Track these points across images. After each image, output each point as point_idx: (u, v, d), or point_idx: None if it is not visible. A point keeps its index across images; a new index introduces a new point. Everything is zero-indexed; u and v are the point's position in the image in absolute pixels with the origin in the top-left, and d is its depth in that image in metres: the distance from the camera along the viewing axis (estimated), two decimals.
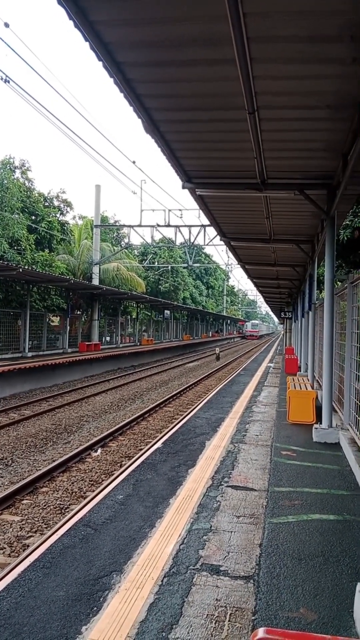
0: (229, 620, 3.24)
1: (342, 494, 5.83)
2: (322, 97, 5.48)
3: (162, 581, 3.73)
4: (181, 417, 12.54)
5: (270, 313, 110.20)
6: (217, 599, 3.49)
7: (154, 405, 15.65)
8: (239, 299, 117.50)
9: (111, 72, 5.07)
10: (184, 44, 4.64)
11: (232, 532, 4.65)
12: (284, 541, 4.48)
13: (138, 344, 36.71)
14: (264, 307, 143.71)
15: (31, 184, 26.96)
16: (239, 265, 20.07)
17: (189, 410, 13.28)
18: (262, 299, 61.34)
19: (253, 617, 3.28)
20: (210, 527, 4.75)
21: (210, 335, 70.39)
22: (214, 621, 3.23)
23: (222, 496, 5.60)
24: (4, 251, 20.18)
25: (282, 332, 64.18)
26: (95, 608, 3.37)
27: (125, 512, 5.16)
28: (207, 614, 3.30)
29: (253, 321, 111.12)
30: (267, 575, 3.86)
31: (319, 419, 9.19)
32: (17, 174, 25.74)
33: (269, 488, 5.93)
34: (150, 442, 10.78)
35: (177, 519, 4.92)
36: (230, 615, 3.30)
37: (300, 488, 5.97)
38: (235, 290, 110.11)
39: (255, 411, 11.36)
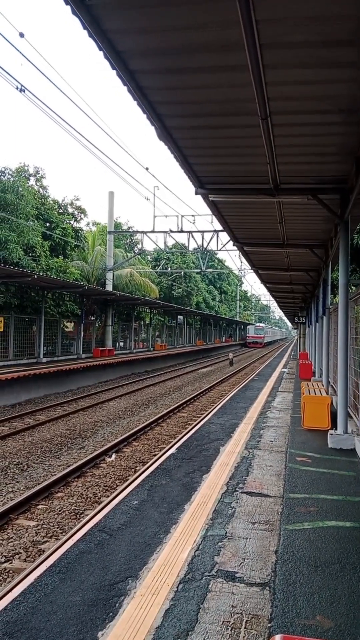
0: (245, 627, 3.22)
1: (359, 500, 5.77)
2: (335, 101, 5.48)
3: (177, 587, 3.72)
4: (195, 423, 12.52)
5: (284, 318, 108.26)
6: (232, 606, 3.47)
7: (167, 410, 15.64)
8: (252, 304, 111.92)
9: (125, 80, 5.13)
10: (197, 51, 4.67)
11: (247, 538, 4.63)
12: (300, 548, 4.44)
13: (151, 349, 36.76)
14: (277, 312, 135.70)
15: (46, 192, 27.24)
16: (252, 270, 20.04)
17: (203, 416, 13.26)
18: (275, 304, 61.22)
19: (269, 624, 3.26)
20: (226, 533, 4.73)
21: (224, 340, 70.20)
22: (230, 628, 3.21)
23: (237, 502, 5.58)
24: (19, 258, 20.38)
25: (296, 337, 63.91)
26: (111, 613, 3.38)
27: (140, 517, 5.16)
28: (223, 621, 3.29)
29: (257, 324, 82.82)
30: (283, 582, 3.83)
31: (334, 424, 9.11)
32: (32, 181, 26.03)
33: (284, 494, 5.90)
34: (165, 447, 10.78)
35: (192, 525, 4.91)
36: (246, 622, 3.28)
37: (315, 494, 5.92)
38: (248, 295, 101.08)
39: (270, 417, 11.30)
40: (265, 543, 4.53)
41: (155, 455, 10.29)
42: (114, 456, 10.43)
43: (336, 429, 8.52)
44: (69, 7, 4.00)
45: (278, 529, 4.86)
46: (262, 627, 3.24)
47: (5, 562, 5.80)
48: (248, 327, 79.58)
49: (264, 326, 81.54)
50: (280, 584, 3.80)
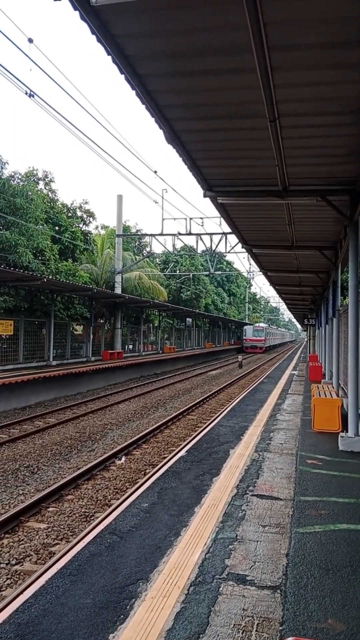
0: (256, 630, 3.21)
1: None
2: (344, 102, 5.46)
3: (188, 590, 3.72)
4: (205, 426, 12.51)
5: (294, 320, 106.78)
6: (243, 609, 3.46)
7: (177, 413, 15.63)
8: (261, 306, 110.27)
9: (133, 84, 5.16)
10: (205, 54, 4.69)
11: (258, 541, 4.61)
12: (311, 551, 4.42)
13: (160, 352, 36.77)
14: (287, 314, 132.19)
15: (55, 195, 27.38)
16: (261, 273, 20.00)
17: (213, 419, 13.24)
18: (284, 306, 60.92)
19: (281, 627, 3.25)
20: (236, 536, 4.72)
21: (233, 342, 69.83)
22: (241, 631, 3.20)
23: (247, 505, 5.56)
24: (28, 261, 20.48)
25: (306, 340, 63.40)
26: (122, 616, 3.38)
27: (151, 520, 5.16)
28: (234, 624, 3.28)
29: (257, 324, 67.26)
30: (295, 585, 3.81)
31: (344, 427, 9.06)
32: (41, 185, 26.18)
33: (295, 497, 5.87)
34: (174, 450, 10.77)
35: (203, 528, 4.90)
36: (257, 625, 3.27)
37: (326, 497, 5.89)
38: (257, 297, 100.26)
39: (280, 419, 11.26)
40: (276, 546, 4.52)
41: (165, 457, 10.28)
42: (123, 459, 10.44)
43: (347, 432, 8.47)
44: (77, 12, 4.03)
45: (289, 532, 4.83)
46: (274, 630, 3.22)
47: (16, 564, 5.82)
48: (245, 328, 63.97)
49: (265, 326, 65.68)
50: (291, 587, 3.78)
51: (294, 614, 3.41)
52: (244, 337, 63.12)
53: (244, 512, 5.35)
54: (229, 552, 4.36)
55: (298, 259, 15.80)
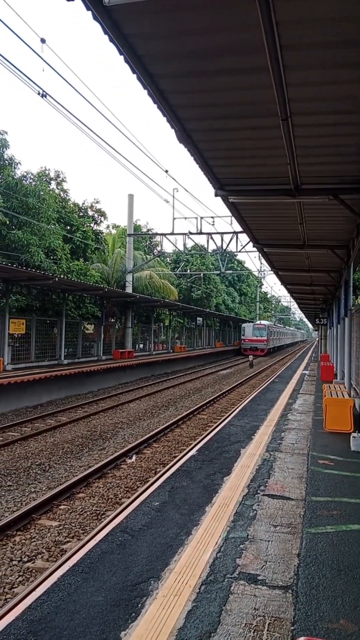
0: (267, 630, 3.21)
1: None
2: (357, 101, 5.44)
3: (199, 589, 3.72)
4: (215, 425, 12.50)
5: (305, 319, 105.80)
6: (255, 608, 3.46)
7: (187, 412, 15.64)
8: (272, 305, 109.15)
9: (145, 84, 5.17)
10: (217, 53, 4.69)
11: (269, 541, 4.61)
12: (323, 551, 4.41)
13: (171, 351, 36.79)
14: (298, 314, 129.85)
15: (66, 195, 27.52)
16: (272, 272, 19.93)
17: (223, 418, 13.22)
18: (296, 306, 60.36)
19: (292, 627, 3.24)
20: (247, 535, 4.71)
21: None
22: (253, 630, 3.20)
23: (258, 505, 5.55)
24: (40, 261, 20.61)
25: (317, 339, 62.84)
26: (133, 614, 3.40)
27: (162, 519, 5.18)
28: (246, 623, 3.28)
29: (257, 322, 57.45)
30: (306, 585, 3.80)
31: (357, 427, 9.01)
32: (53, 185, 26.32)
33: (307, 497, 5.85)
34: (185, 449, 10.78)
35: (214, 527, 4.91)
36: (269, 624, 3.27)
37: (338, 498, 5.86)
38: (268, 296, 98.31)
39: (291, 419, 11.22)
40: (288, 546, 4.51)
41: (175, 457, 10.30)
42: (134, 457, 10.48)
43: (359, 432, 8.42)
44: (90, 12, 4.05)
45: (300, 532, 4.82)
46: (285, 629, 3.22)
47: (28, 561, 5.86)
48: (243, 326, 54.48)
49: (268, 324, 56.54)
50: (303, 587, 3.77)
51: (306, 614, 3.41)
52: (242, 337, 53.82)
53: (255, 511, 5.34)
54: (240, 552, 4.36)
55: (309, 258, 15.72)
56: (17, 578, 5.48)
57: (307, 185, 8.18)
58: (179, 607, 3.47)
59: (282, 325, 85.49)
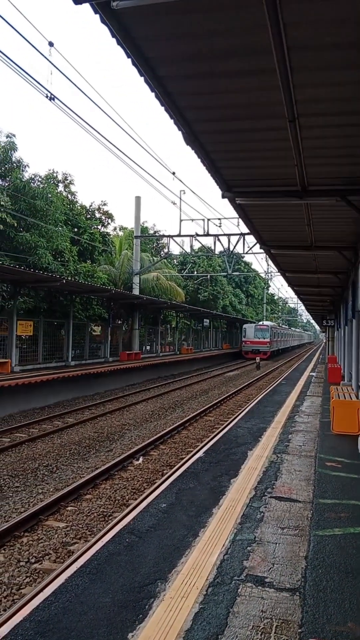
0: (275, 632, 3.20)
1: None
2: None
3: (206, 591, 3.72)
4: (222, 427, 12.48)
5: (312, 321, 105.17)
6: (262, 611, 3.45)
7: (194, 414, 15.64)
8: (279, 307, 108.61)
9: (152, 86, 5.18)
10: (224, 55, 4.69)
11: (276, 543, 4.59)
12: (330, 554, 4.39)
13: (178, 352, 36.80)
14: (305, 315, 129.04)
15: (74, 197, 27.61)
16: (279, 274, 19.89)
17: (230, 420, 13.20)
18: (303, 307, 60.07)
19: (300, 630, 3.23)
20: (254, 538, 4.70)
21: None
22: (260, 632, 3.20)
23: (265, 507, 5.54)
24: (48, 263, 20.69)
25: (324, 341, 62.49)
26: (141, 615, 3.40)
27: (169, 520, 5.18)
28: (253, 625, 3.27)
29: (259, 323, 53.93)
30: (314, 588, 3.79)
31: None
32: (61, 187, 26.42)
33: (314, 500, 5.83)
34: (192, 451, 10.77)
35: (221, 529, 4.90)
36: (276, 627, 3.26)
37: (346, 500, 5.83)
38: (275, 298, 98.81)
39: (298, 421, 11.19)
40: (295, 548, 4.49)
41: (182, 458, 10.29)
42: (141, 459, 10.48)
43: None
44: (98, 15, 4.07)
45: (308, 535, 4.80)
46: (293, 632, 3.21)
47: (35, 562, 5.88)
48: (244, 327, 50.86)
49: (271, 325, 52.96)
50: (310, 590, 3.76)
51: (313, 617, 3.39)
52: (243, 339, 50.37)
53: (262, 514, 5.33)
54: (247, 554, 4.35)
55: (317, 260, 15.67)
56: (25, 579, 5.50)
57: (314, 187, 8.16)
58: (186, 609, 3.47)
59: (286, 327, 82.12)
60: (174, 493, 6.07)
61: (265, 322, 54.80)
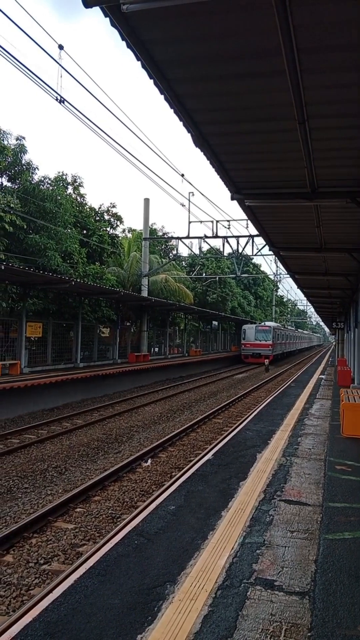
0: (284, 636, 3.18)
1: None
2: None
3: (215, 594, 3.71)
4: (231, 429, 12.46)
5: (321, 323, 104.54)
6: (271, 614, 3.43)
7: (202, 416, 15.61)
8: (288, 309, 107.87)
9: (162, 89, 5.20)
10: (234, 58, 4.71)
11: (286, 547, 4.57)
12: (340, 558, 4.36)
13: (186, 354, 36.78)
14: (314, 317, 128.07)
15: (83, 199, 27.72)
16: (288, 275, 19.83)
17: (239, 422, 13.18)
18: (312, 309, 59.72)
19: (309, 634, 3.21)
20: (264, 541, 4.68)
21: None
22: (270, 636, 3.18)
23: (274, 510, 5.52)
24: (57, 265, 20.78)
25: (334, 343, 62.06)
26: (149, 617, 3.39)
27: (177, 523, 5.17)
28: (262, 629, 3.26)
29: (261, 323, 49.09)
30: (323, 591, 3.77)
31: None
32: (70, 189, 26.53)
33: (324, 503, 5.79)
34: (200, 453, 10.76)
35: (230, 532, 4.88)
36: (285, 630, 3.24)
37: (356, 504, 5.79)
38: (284, 300, 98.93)
39: (308, 424, 11.13)
40: (305, 552, 4.47)
41: (190, 461, 10.28)
42: (149, 461, 10.48)
43: None
44: (108, 18, 4.10)
45: (317, 538, 4.78)
46: (302, 635, 3.19)
47: (44, 563, 5.90)
48: (243, 327, 46.41)
49: (274, 326, 47.67)
50: (320, 594, 3.73)
51: (323, 620, 3.37)
52: (242, 341, 45.81)
53: (271, 517, 5.31)
54: (256, 557, 4.33)
55: (326, 262, 15.61)
56: (34, 580, 5.52)
57: (324, 189, 8.14)
58: (195, 612, 3.46)
59: (292, 328, 77.23)
60: (183, 495, 6.07)
61: (268, 323, 50.63)
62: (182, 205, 27.04)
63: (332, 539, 4.77)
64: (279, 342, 49.01)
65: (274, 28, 4.06)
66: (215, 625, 3.30)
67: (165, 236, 45.43)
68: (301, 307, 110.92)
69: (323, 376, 25.63)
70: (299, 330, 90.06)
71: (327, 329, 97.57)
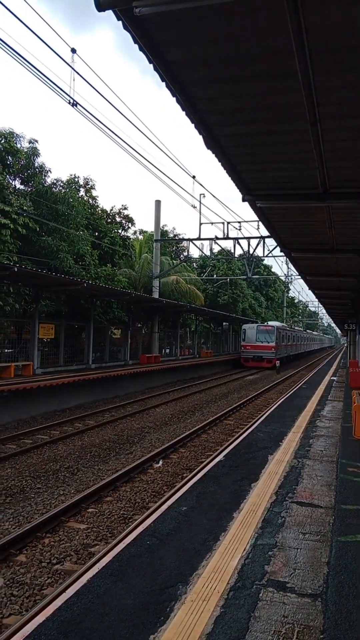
0: (297, 638, 3.18)
1: None
2: None
3: (228, 595, 3.71)
4: (242, 431, 12.43)
5: (333, 324, 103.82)
6: (284, 616, 3.43)
7: (214, 417, 15.60)
8: (299, 310, 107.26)
9: (174, 91, 5.22)
10: (245, 59, 4.71)
11: (298, 548, 4.56)
12: (353, 560, 4.34)
13: (197, 356, 36.75)
14: (326, 319, 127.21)
15: (95, 202, 27.88)
16: (299, 277, 19.76)
17: (250, 424, 13.14)
18: (324, 311, 59.33)
19: (322, 636, 3.20)
20: (276, 543, 4.68)
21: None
22: (282, 638, 3.18)
23: (286, 512, 5.50)
24: (69, 266, 20.92)
25: (345, 345, 61.66)
26: (162, 618, 3.41)
27: (189, 524, 5.18)
28: (274, 630, 3.25)
29: (262, 324, 44.77)
30: (336, 594, 3.75)
31: None
32: (82, 192, 26.69)
33: (336, 505, 5.77)
34: (211, 454, 10.75)
35: (242, 533, 4.88)
36: (297, 632, 3.24)
37: None
38: (295, 301, 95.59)
39: (319, 426, 11.08)
40: (317, 554, 4.45)
41: (202, 462, 10.27)
42: (161, 462, 10.50)
43: None
44: (120, 22, 4.12)
45: (330, 540, 4.76)
46: (315, 638, 3.19)
47: (57, 563, 5.94)
48: (243, 327, 41.69)
49: (277, 326, 42.63)
50: (332, 596, 3.72)
51: (335, 623, 3.36)
52: (242, 343, 41.05)
53: (283, 518, 5.30)
54: (268, 559, 4.33)
55: (338, 263, 15.51)
56: (47, 580, 5.55)
57: (336, 189, 8.10)
58: (208, 613, 3.47)
59: (300, 329, 72.44)
60: (195, 496, 6.07)
61: (271, 323, 46.82)
62: (193, 207, 27.03)
63: (345, 541, 4.75)
64: (284, 343, 44.64)
65: (286, 29, 4.06)
66: (228, 626, 3.30)
67: (177, 238, 45.49)
68: (312, 309, 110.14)
69: (335, 378, 25.48)
70: (307, 330, 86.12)
71: (338, 331, 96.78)
